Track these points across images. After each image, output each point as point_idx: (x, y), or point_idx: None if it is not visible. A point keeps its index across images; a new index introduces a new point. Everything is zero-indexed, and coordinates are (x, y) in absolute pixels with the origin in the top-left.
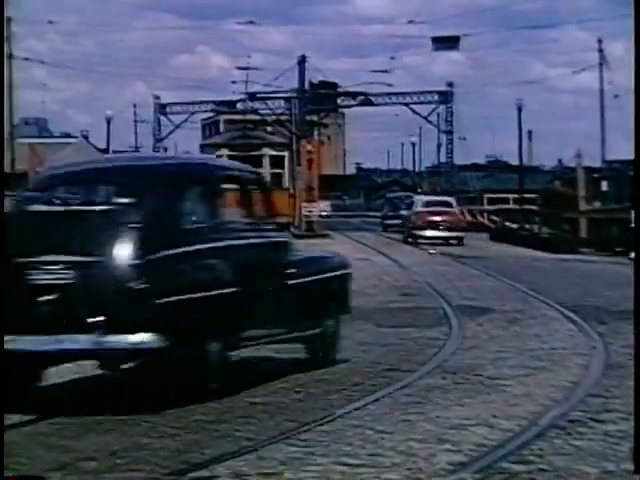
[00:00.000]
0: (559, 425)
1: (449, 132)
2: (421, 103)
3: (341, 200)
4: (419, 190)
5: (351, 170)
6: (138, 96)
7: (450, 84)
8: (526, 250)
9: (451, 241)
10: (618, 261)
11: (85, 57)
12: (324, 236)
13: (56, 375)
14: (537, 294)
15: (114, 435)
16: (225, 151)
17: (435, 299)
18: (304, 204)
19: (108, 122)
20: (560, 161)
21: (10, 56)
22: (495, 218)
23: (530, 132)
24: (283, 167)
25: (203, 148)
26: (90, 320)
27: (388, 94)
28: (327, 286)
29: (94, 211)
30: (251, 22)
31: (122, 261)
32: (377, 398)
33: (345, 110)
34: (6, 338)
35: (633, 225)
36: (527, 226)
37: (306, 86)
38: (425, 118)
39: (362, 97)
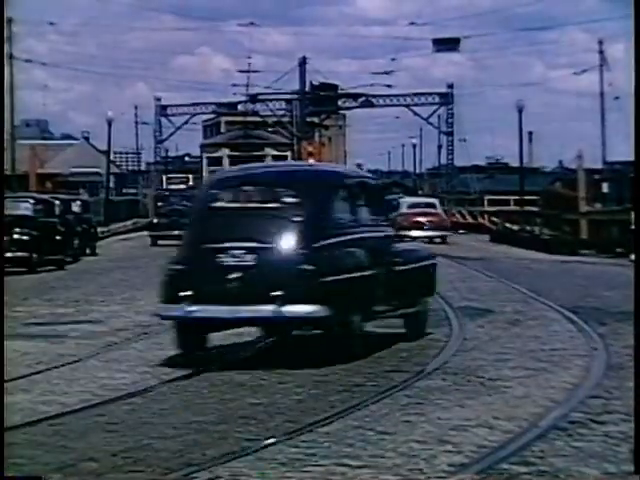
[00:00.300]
0: (560, 426)
1: (450, 133)
2: (422, 104)
3: None
4: (420, 192)
5: None
6: (139, 97)
7: (451, 86)
8: (527, 251)
9: (435, 239)
10: (618, 263)
11: (86, 58)
12: None
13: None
14: (537, 295)
15: (115, 435)
16: (226, 151)
17: (435, 300)
18: None
19: (109, 123)
20: (561, 163)
21: (11, 57)
22: (496, 219)
23: (531, 133)
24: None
25: (203, 148)
26: (270, 294)
27: (389, 96)
28: (421, 272)
29: (267, 208)
30: (252, 23)
31: (294, 248)
32: (378, 399)
33: (346, 111)
34: (200, 307)
35: (633, 227)
36: (528, 227)
37: (307, 88)
38: (426, 120)
39: (363, 99)
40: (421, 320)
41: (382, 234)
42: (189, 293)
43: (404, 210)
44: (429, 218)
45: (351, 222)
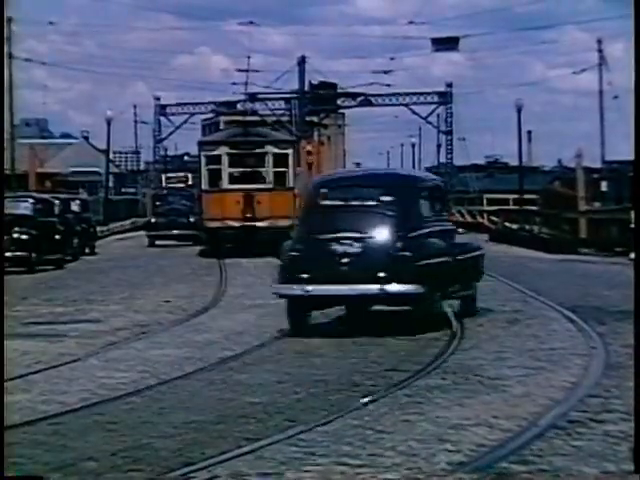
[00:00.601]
0: (559, 425)
1: (449, 133)
2: (421, 104)
3: None
4: None
5: None
6: (138, 97)
7: (450, 85)
8: (526, 250)
9: None
10: (618, 262)
11: (85, 58)
12: None
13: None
14: (537, 294)
15: (114, 435)
16: (225, 149)
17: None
18: None
19: (108, 123)
20: (560, 162)
21: (11, 56)
22: (495, 219)
23: (530, 133)
24: (287, 166)
25: (201, 146)
26: (375, 275)
27: (388, 95)
28: (474, 261)
29: (368, 205)
30: (251, 23)
31: (393, 237)
32: (377, 398)
33: (345, 111)
34: (316, 287)
35: (633, 226)
36: (527, 226)
37: (306, 87)
38: (425, 119)
39: (362, 98)
40: (473, 300)
41: (447, 227)
42: (306, 275)
43: None
44: None
45: (430, 217)
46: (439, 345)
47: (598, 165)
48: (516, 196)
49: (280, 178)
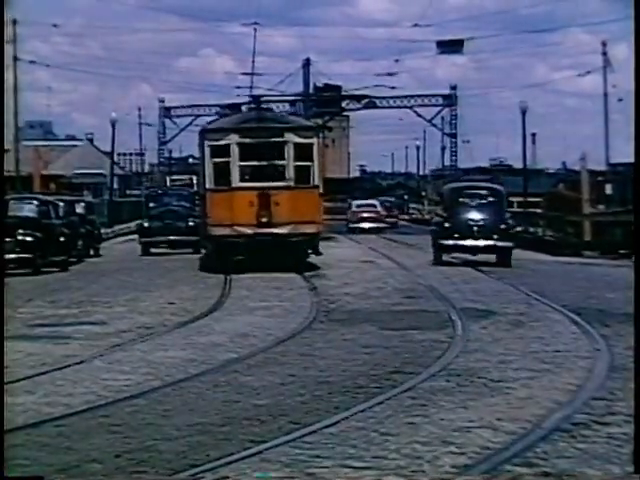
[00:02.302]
0: (563, 428)
1: (453, 135)
2: (425, 106)
3: (346, 203)
4: (423, 194)
5: (355, 173)
6: (143, 99)
7: (454, 87)
8: (530, 253)
9: (373, 228)
10: (622, 264)
11: (90, 60)
12: (328, 239)
13: None
14: (541, 297)
15: (119, 437)
16: (235, 137)
17: (438, 301)
18: None
19: (113, 125)
20: (564, 164)
21: (15, 58)
22: None
23: (534, 135)
24: (311, 158)
25: (205, 134)
26: (492, 236)
27: (392, 97)
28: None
29: (484, 202)
30: (256, 24)
31: (499, 218)
32: (381, 400)
33: (349, 113)
34: (458, 242)
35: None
36: (531, 229)
37: (310, 89)
38: (429, 121)
39: (366, 100)
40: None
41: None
42: (455, 235)
43: (353, 209)
44: (370, 214)
45: (505, 207)
46: (443, 347)
47: (602, 168)
48: (520, 198)
49: (303, 174)
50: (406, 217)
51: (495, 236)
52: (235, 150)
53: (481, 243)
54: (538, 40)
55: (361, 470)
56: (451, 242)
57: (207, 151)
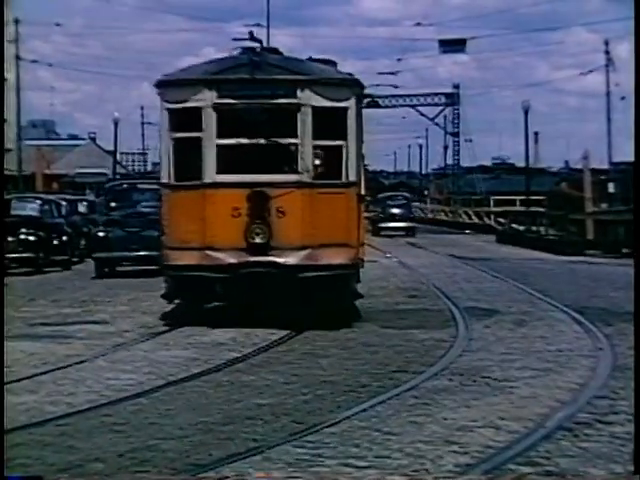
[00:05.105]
0: (565, 427)
1: (456, 134)
2: (428, 105)
3: None
4: (425, 192)
5: None
6: (145, 98)
7: (457, 86)
8: (533, 252)
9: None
10: (625, 263)
11: (92, 59)
12: None
13: None
14: (544, 296)
15: (121, 436)
16: (211, 96)
17: (442, 300)
18: None
19: (115, 124)
20: (567, 163)
21: (17, 58)
22: (502, 220)
23: (537, 134)
24: (344, 135)
25: (163, 89)
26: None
27: (395, 96)
28: None
29: (400, 204)
30: (258, 24)
31: (411, 213)
32: (384, 400)
33: None
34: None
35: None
36: (534, 228)
37: None
38: (432, 120)
39: (369, 99)
40: None
41: None
42: (386, 220)
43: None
44: (401, 210)
45: None
46: (446, 347)
47: (605, 166)
48: (523, 197)
49: (329, 162)
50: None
51: (406, 221)
52: (211, 119)
53: (399, 224)
54: (540, 39)
55: (364, 469)
56: (383, 224)
57: (165, 119)
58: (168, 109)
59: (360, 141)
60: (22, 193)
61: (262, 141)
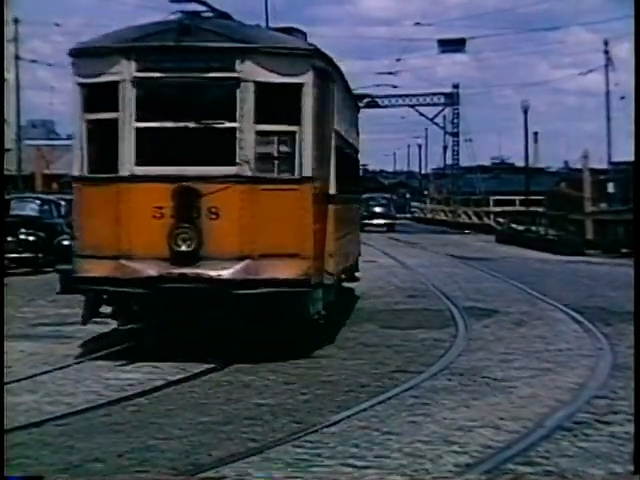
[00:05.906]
0: (565, 427)
1: (455, 134)
2: (427, 105)
3: None
4: (425, 192)
5: None
6: None
7: (456, 86)
8: (532, 252)
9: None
10: (624, 263)
11: None
12: None
13: None
14: (543, 296)
15: (121, 436)
16: (129, 67)
17: (441, 300)
18: None
19: None
20: (566, 163)
21: (17, 58)
22: (501, 220)
23: (536, 134)
24: (298, 118)
25: (76, 60)
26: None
27: (394, 96)
28: None
29: (383, 204)
30: (257, 25)
31: (391, 211)
32: (383, 399)
33: None
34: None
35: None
36: (533, 228)
37: None
38: (431, 120)
39: (368, 99)
40: None
41: None
42: (370, 217)
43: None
44: (383, 209)
45: None
46: (446, 347)
47: (604, 166)
48: (522, 197)
49: (279, 152)
50: (408, 216)
51: (387, 219)
52: (129, 97)
53: (381, 221)
54: (540, 38)
55: (363, 469)
56: (367, 221)
57: (76, 97)
58: (80, 84)
59: (324, 127)
60: (22, 193)
61: (192, 125)
